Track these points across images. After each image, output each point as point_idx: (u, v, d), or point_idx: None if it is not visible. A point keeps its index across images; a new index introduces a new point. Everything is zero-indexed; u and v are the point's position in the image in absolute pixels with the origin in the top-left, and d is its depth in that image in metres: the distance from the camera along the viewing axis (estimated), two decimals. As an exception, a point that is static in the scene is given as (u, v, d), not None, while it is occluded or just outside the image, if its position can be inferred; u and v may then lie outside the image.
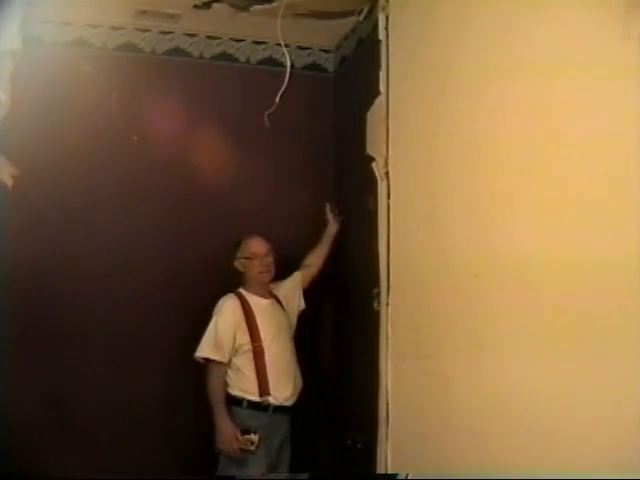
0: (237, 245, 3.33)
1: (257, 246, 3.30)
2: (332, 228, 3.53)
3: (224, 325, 3.17)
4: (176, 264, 3.52)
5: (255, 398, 3.14)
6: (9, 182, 2.92)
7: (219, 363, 3.15)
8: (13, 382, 3.15)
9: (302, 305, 3.47)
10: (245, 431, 3.10)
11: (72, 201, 3.43)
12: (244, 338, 3.18)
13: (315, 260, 3.52)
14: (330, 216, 3.54)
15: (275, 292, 3.40)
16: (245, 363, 3.17)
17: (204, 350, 3.16)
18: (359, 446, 3.22)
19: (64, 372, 3.34)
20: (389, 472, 2.79)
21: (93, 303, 3.44)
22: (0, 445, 2.94)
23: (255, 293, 3.29)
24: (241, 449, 3.09)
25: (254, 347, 3.17)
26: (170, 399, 3.45)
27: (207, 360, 3.16)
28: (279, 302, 3.38)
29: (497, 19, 2.21)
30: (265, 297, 3.32)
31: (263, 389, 3.14)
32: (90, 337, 3.43)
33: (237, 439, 3.08)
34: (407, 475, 2.36)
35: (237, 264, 3.31)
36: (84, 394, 3.38)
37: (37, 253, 3.32)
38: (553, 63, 1.92)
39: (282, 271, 3.48)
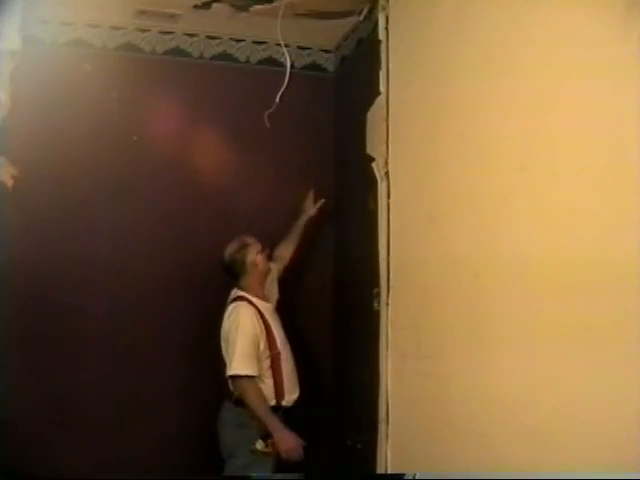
0: (250, 244, 3.26)
1: (259, 242, 3.29)
2: (305, 216, 3.51)
3: (251, 336, 3.08)
4: (176, 264, 3.52)
5: (271, 402, 3.10)
6: (9, 182, 2.91)
7: (253, 377, 3.07)
8: (13, 382, 3.15)
9: (277, 296, 3.41)
10: (268, 436, 3.04)
11: (72, 201, 3.43)
12: (263, 345, 3.12)
13: (286, 251, 3.49)
14: (309, 203, 3.52)
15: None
16: (264, 371, 3.11)
17: (242, 368, 3.04)
18: (359, 446, 3.22)
19: (64, 372, 3.34)
20: (389, 472, 2.79)
21: (93, 303, 3.44)
22: (0, 444, 2.94)
23: (259, 296, 3.23)
24: (266, 453, 3.03)
25: (272, 354, 3.12)
26: (170, 398, 3.45)
27: (239, 376, 3.06)
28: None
29: (497, 19, 2.21)
30: (267, 300, 3.29)
31: (279, 394, 3.11)
32: (90, 337, 3.43)
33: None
34: (415, 475, 2.35)
35: (258, 259, 3.24)
36: (84, 394, 3.38)
37: (37, 253, 3.32)
38: (553, 63, 1.92)
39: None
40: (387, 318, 2.90)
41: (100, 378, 3.41)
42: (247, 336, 3.08)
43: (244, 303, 3.17)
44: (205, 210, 3.61)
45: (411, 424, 2.69)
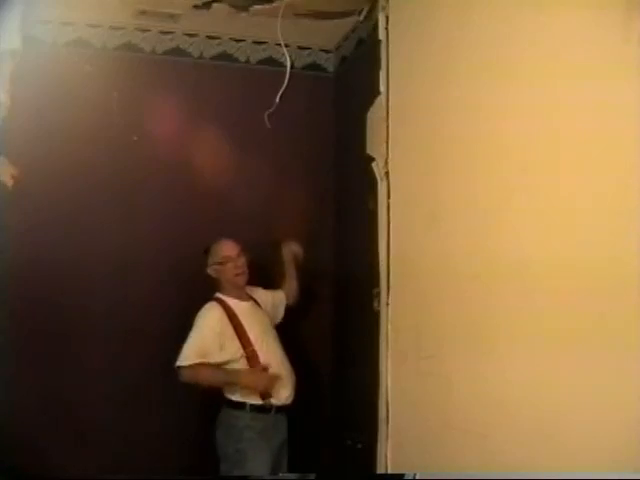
0: (207, 251, 3.27)
1: (228, 249, 3.25)
2: (288, 251, 3.45)
3: (208, 332, 3.11)
4: (176, 263, 3.52)
5: (257, 402, 3.11)
6: (9, 182, 2.91)
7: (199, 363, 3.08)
8: (13, 382, 3.15)
9: (281, 318, 3.45)
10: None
11: (72, 201, 3.43)
12: (234, 346, 3.13)
13: (290, 286, 3.47)
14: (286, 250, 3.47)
15: (253, 296, 3.35)
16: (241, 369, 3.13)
17: (185, 358, 3.06)
18: (359, 446, 3.22)
19: (64, 371, 3.34)
20: (389, 472, 2.79)
21: (93, 302, 3.44)
22: (0, 444, 2.94)
23: (234, 297, 3.24)
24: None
25: (247, 352, 3.13)
26: (171, 398, 3.44)
27: (185, 367, 3.07)
28: (257, 303, 3.35)
29: (497, 19, 2.21)
30: (244, 299, 3.28)
31: (264, 392, 3.12)
32: (90, 336, 3.43)
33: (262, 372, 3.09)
34: (415, 475, 2.35)
35: (210, 271, 3.26)
36: (84, 393, 3.38)
37: (37, 253, 3.32)
38: (553, 63, 1.92)
39: (280, 272, 3.49)
40: (387, 318, 2.90)
41: (100, 378, 3.41)
42: (201, 333, 3.11)
43: (213, 304, 3.20)
44: (205, 210, 3.61)
45: (411, 424, 2.69)
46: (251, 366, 3.13)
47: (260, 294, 3.40)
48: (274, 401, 3.13)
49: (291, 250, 3.46)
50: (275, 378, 3.11)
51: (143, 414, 3.43)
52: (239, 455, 3.07)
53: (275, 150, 3.74)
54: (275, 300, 3.45)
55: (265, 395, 3.12)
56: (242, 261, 3.26)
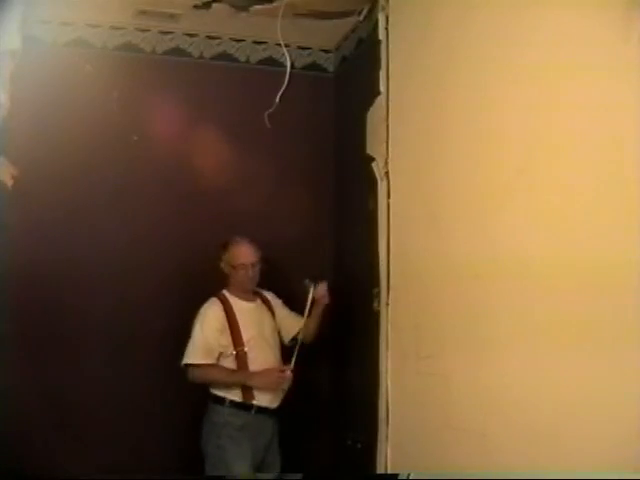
0: (225, 247, 3.25)
1: (246, 256, 3.21)
2: (320, 303, 3.28)
3: (210, 329, 3.12)
4: (176, 264, 3.52)
5: (237, 398, 3.10)
6: (9, 182, 2.91)
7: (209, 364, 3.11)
8: (13, 382, 3.15)
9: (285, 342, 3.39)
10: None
11: (72, 201, 3.43)
12: (227, 342, 3.13)
13: (310, 325, 3.29)
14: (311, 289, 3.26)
15: (269, 300, 3.35)
16: (228, 366, 3.13)
17: (194, 356, 3.08)
18: (359, 446, 3.22)
19: (64, 372, 3.34)
20: (389, 472, 2.79)
21: (93, 303, 3.44)
22: (0, 444, 2.94)
23: (239, 296, 3.23)
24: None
25: (237, 351, 3.12)
26: (170, 398, 3.44)
27: (193, 365, 3.09)
28: (265, 303, 3.33)
29: (497, 19, 2.21)
30: (249, 300, 3.27)
31: (246, 394, 3.10)
32: (90, 337, 3.42)
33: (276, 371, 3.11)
34: (409, 475, 2.35)
35: (223, 266, 3.25)
36: (84, 394, 3.37)
37: (37, 253, 3.32)
38: (553, 63, 1.92)
39: (280, 272, 3.49)
40: (387, 318, 2.90)
41: (99, 378, 3.40)
42: (204, 329, 3.12)
43: (214, 300, 3.20)
44: (205, 210, 3.61)
45: (411, 424, 2.69)
46: (239, 366, 3.12)
47: (279, 307, 3.37)
48: (255, 402, 3.11)
49: (322, 290, 3.27)
50: (289, 378, 3.11)
51: (143, 414, 3.43)
52: (219, 451, 3.06)
53: (275, 150, 3.74)
54: (285, 322, 3.36)
55: (247, 397, 3.10)
56: (255, 270, 3.24)
